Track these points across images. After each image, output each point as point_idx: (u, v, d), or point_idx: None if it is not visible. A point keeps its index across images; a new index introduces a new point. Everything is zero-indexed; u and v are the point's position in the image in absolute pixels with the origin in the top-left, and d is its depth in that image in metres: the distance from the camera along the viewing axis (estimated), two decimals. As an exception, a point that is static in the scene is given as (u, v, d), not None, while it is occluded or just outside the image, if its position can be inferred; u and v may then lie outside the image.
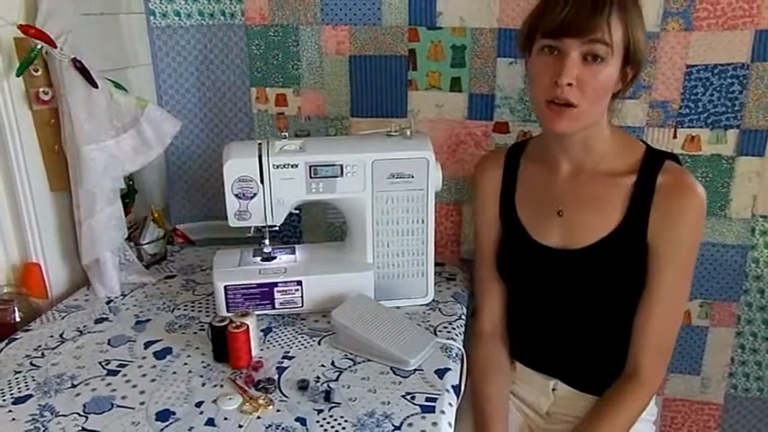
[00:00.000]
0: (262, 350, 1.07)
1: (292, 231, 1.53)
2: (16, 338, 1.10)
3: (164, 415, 0.89)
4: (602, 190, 1.04)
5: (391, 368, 1.01)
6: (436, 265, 1.24)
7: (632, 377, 1.04)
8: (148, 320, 1.17)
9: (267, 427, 0.86)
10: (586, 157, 1.06)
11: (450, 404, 0.93)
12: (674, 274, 1.02)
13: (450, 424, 0.90)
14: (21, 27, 1.08)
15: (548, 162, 1.11)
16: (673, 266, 1.01)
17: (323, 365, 1.02)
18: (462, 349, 1.08)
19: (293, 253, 1.25)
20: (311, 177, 1.13)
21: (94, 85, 1.14)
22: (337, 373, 1.00)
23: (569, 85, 0.93)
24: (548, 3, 0.95)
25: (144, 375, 0.99)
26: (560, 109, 0.95)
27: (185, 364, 1.03)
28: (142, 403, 0.92)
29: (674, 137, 1.30)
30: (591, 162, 1.06)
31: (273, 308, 1.17)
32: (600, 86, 0.94)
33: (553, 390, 1.14)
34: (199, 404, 0.92)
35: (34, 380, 0.98)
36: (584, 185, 1.06)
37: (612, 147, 1.05)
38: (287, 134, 1.18)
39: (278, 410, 0.90)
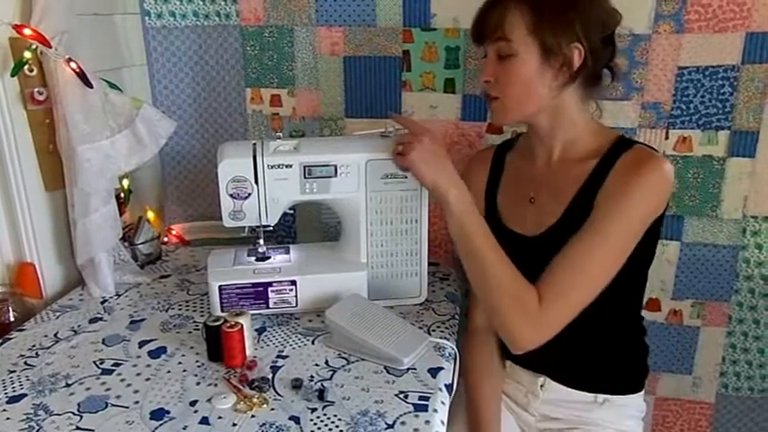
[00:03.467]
0: (256, 349, 1.07)
1: (287, 231, 1.54)
2: (10, 338, 1.10)
3: (158, 414, 0.89)
4: (570, 174, 1.06)
5: (385, 367, 1.01)
6: (430, 264, 1.25)
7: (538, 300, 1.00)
8: (143, 320, 1.17)
9: (261, 426, 0.87)
10: (556, 146, 1.09)
11: (443, 403, 0.94)
12: (598, 225, 0.98)
13: (442, 422, 0.90)
14: (15, 27, 1.09)
15: (528, 155, 1.15)
16: (602, 218, 0.98)
17: (317, 364, 1.02)
18: (455, 348, 1.09)
19: (287, 253, 1.25)
20: (305, 177, 1.14)
21: (89, 85, 1.15)
22: (331, 372, 1.00)
23: (488, 81, 1.04)
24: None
25: (138, 375, 0.99)
26: (490, 103, 1.07)
27: (180, 363, 1.03)
28: (136, 402, 0.92)
29: (666, 138, 1.31)
30: (562, 150, 1.09)
31: (268, 307, 1.17)
32: (515, 79, 1.02)
33: (541, 386, 1.15)
34: (193, 403, 0.92)
35: (29, 379, 0.98)
36: (555, 172, 1.09)
37: (585, 135, 1.07)
38: (281, 134, 1.18)
39: (272, 409, 0.91)
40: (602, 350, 1.08)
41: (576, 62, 1.00)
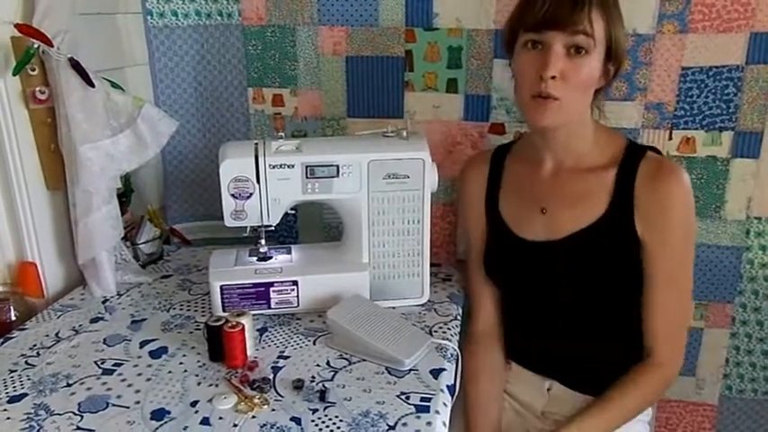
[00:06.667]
0: (257, 350, 1.07)
1: (288, 231, 1.54)
2: (12, 337, 1.10)
3: (159, 414, 0.89)
4: (585, 185, 1.05)
5: (386, 368, 1.01)
6: (432, 265, 1.24)
7: (646, 361, 1.05)
8: (144, 320, 1.17)
9: (262, 427, 0.86)
10: (569, 154, 1.07)
11: (445, 404, 0.94)
12: (671, 258, 1.01)
13: (444, 424, 0.90)
14: (18, 26, 1.08)
15: (532, 160, 1.12)
16: (669, 251, 1.01)
17: (318, 365, 1.02)
18: (457, 350, 1.08)
19: (289, 253, 1.25)
20: (307, 177, 1.14)
21: (91, 84, 1.15)
22: (332, 373, 1.00)
23: (553, 78, 0.94)
24: None
25: (139, 374, 0.99)
26: (544, 102, 0.96)
27: (181, 363, 1.03)
28: (137, 402, 0.92)
29: (670, 138, 1.31)
30: (573, 159, 1.07)
31: (269, 308, 1.17)
32: (583, 79, 0.96)
33: (548, 390, 1.14)
34: (194, 403, 0.92)
35: (29, 379, 0.98)
36: (567, 183, 1.07)
37: (595, 143, 1.07)
38: (283, 134, 1.18)
39: (273, 410, 0.90)
40: (609, 353, 1.08)
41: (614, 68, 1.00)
